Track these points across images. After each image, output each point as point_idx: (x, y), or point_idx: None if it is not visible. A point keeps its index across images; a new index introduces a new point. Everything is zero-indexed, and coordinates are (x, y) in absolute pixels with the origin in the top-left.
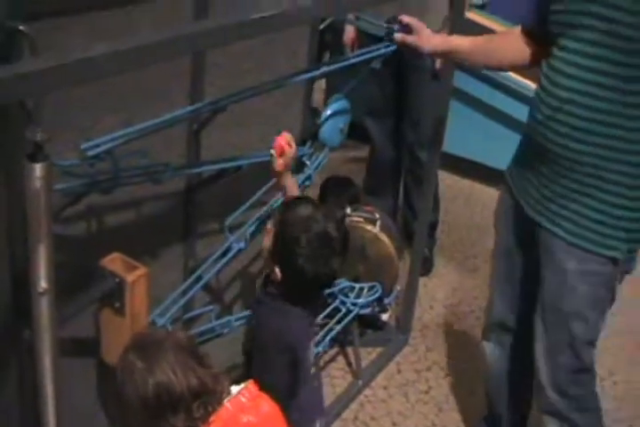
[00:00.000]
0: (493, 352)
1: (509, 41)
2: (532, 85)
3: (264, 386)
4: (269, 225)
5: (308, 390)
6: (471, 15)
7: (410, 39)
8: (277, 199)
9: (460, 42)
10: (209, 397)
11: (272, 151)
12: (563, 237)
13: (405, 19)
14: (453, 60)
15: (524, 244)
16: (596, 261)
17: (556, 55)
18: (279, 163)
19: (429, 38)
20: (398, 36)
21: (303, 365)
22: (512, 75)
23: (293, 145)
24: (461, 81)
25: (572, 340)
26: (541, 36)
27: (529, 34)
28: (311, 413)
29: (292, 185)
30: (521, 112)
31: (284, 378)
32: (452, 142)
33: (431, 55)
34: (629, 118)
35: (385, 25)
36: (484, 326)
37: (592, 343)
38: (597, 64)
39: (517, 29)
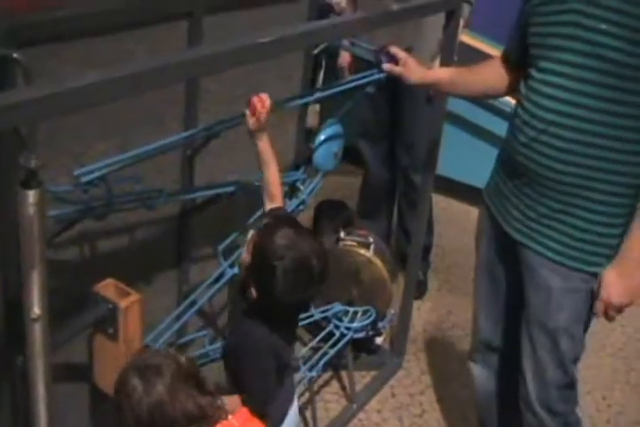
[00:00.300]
0: (481, 373)
1: (489, 70)
2: None
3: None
4: (249, 235)
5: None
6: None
7: (396, 70)
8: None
9: (442, 74)
10: (205, 422)
11: (246, 111)
12: (547, 256)
13: (392, 49)
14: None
15: (506, 261)
16: (580, 278)
17: (535, 77)
18: (251, 122)
19: (415, 70)
20: (386, 66)
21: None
22: (509, 99)
23: (267, 105)
24: (455, 105)
25: (560, 356)
26: (521, 59)
27: (509, 58)
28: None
29: (264, 147)
30: None
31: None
32: (447, 166)
33: (416, 86)
34: (616, 139)
35: (374, 53)
36: (470, 346)
37: (577, 359)
38: (583, 87)
39: (498, 57)
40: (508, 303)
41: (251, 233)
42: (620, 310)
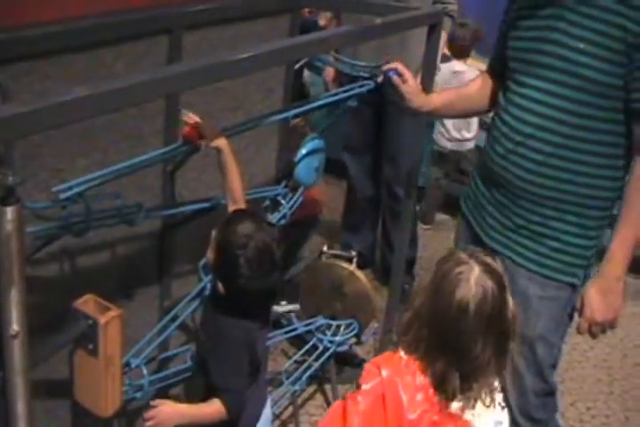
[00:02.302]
0: None
1: (477, 87)
2: None
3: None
4: (212, 235)
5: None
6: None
7: (403, 89)
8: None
9: (435, 102)
10: None
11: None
12: (524, 265)
13: (400, 68)
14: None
15: None
16: (556, 287)
17: (514, 90)
18: (204, 144)
19: (418, 95)
20: (396, 78)
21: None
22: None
23: (194, 118)
24: None
25: (538, 363)
26: (503, 73)
27: (494, 68)
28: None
29: (222, 157)
30: None
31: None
32: None
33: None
34: (592, 154)
35: (377, 66)
36: None
37: (555, 366)
38: (561, 102)
39: (485, 72)
40: None
41: (213, 233)
42: (603, 327)
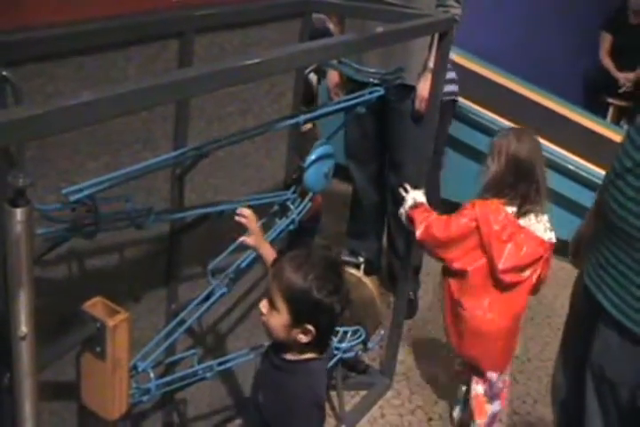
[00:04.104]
0: None
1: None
2: None
3: None
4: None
5: None
6: (502, 81)
7: None
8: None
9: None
10: None
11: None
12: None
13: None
14: None
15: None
16: None
17: None
18: (248, 241)
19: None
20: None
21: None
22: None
23: (247, 214)
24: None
25: None
26: None
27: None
28: None
29: (267, 254)
30: None
31: None
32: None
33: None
34: None
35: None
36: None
37: None
38: None
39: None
40: None
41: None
42: None
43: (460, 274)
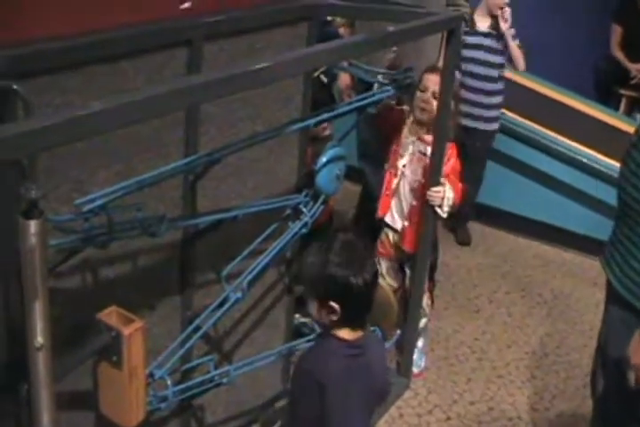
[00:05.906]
0: None
1: None
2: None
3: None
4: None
5: None
6: (514, 77)
7: None
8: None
9: None
10: None
11: None
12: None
13: None
14: None
15: None
16: None
17: None
18: None
19: None
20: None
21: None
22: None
23: None
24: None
25: None
26: None
27: None
28: None
29: None
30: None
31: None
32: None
33: None
34: None
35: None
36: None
37: None
38: None
39: None
40: None
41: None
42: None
43: None
